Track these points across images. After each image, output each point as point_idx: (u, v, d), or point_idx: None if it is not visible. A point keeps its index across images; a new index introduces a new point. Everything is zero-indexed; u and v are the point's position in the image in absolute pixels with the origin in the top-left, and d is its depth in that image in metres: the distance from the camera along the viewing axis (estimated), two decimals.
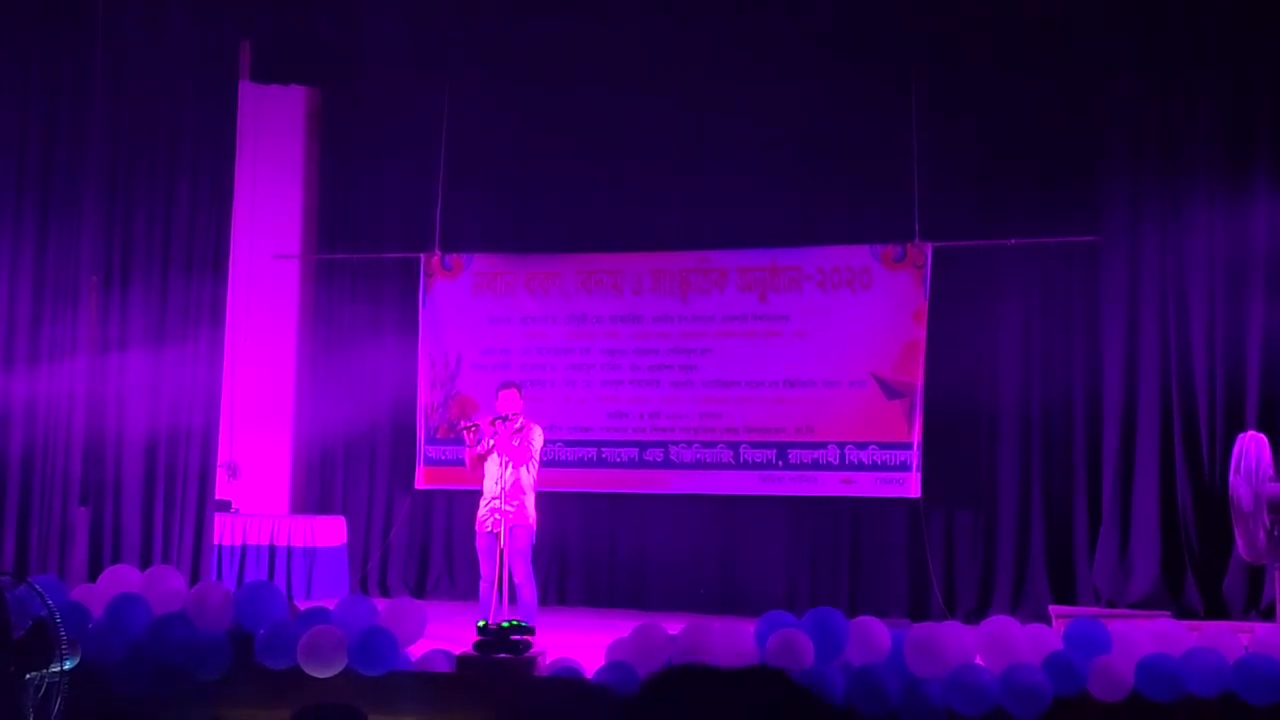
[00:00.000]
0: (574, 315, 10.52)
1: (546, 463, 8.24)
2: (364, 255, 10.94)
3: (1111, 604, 8.82)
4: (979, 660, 5.59)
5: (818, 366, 10.02)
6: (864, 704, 5.37)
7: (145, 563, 8.34)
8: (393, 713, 5.21)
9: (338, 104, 11.22)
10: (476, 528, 7.60)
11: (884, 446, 9.78)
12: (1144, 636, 5.65)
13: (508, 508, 7.39)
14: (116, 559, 8.41)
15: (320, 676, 5.55)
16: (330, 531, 10.26)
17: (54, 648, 4.67)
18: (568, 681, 5.61)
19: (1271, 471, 7.53)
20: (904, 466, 9.71)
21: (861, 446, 9.84)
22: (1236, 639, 5.71)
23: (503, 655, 5.73)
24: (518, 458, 7.46)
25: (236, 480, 10.66)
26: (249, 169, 10.42)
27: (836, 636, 5.60)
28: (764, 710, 1.31)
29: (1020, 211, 9.66)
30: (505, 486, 7.42)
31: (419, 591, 10.42)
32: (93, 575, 7.94)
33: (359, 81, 10.86)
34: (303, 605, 6.62)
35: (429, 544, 10.70)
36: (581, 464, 10.28)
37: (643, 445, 10.28)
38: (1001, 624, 5.93)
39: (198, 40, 9.27)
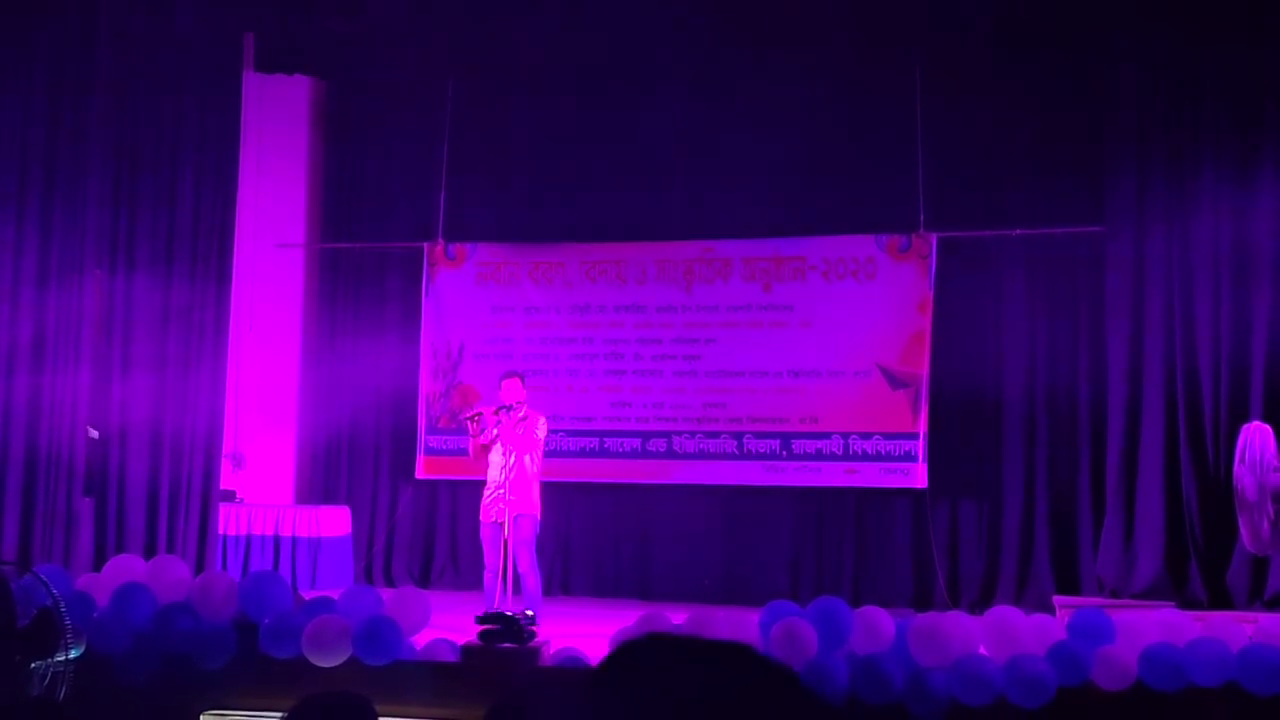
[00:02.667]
0: (577, 305, 10.51)
1: (550, 452, 8.25)
2: (368, 244, 10.94)
3: (1115, 594, 8.83)
4: (983, 650, 5.60)
5: (822, 357, 10.01)
6: (868, 693, 5.39)
7: (150, 552, 8.35)
8: (397, 702, 5.22)
9: (342, 94, 11.21)
10: (481, 517, 7.61)
11: (888, 437, 9.78)
12: (1148, 626, 5.66)
13: (512, 497, 7.41)
14: (121, 549, 8.42)
15: (325, 666, 5.56)
16: (335, 521, 10.28)
17: (59, 637, 4.69)
18: (572, 671, 5.63)
19: (1276, 462, 7.51)
20: (909, 457, 9.71)
21: (866, 437, 9.84)
22: (1240, 629, 5.72)
23: (507, 645, 5.75)
24: (521, 447, 7.47)
25: (241, 470, 10.68)
26: (253, 158, 10.42)
27: (841, 626, 5.61)
28: (737, 688, 1.29)
29: (1025, 201, 9.66)
30: (509, 476, 7.44)
31: (423, 581, 10.44)
32: (97, 565, 7.96)
33: (363, 71, 10.86)
34: (307, 595, 6.64)
35: (433, 534, 10.72)
36: (584, 454, 10.29)
37: (646, 435, 10.28)
38: (1005, 614, 5.94)
39: (202, 30, 9.26)
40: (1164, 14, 8.94)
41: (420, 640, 5.95)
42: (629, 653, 1.32)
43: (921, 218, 9.74)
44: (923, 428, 9.68)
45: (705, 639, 1.36)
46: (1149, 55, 9.06)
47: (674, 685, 1.27)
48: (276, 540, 10.02)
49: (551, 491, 8.12)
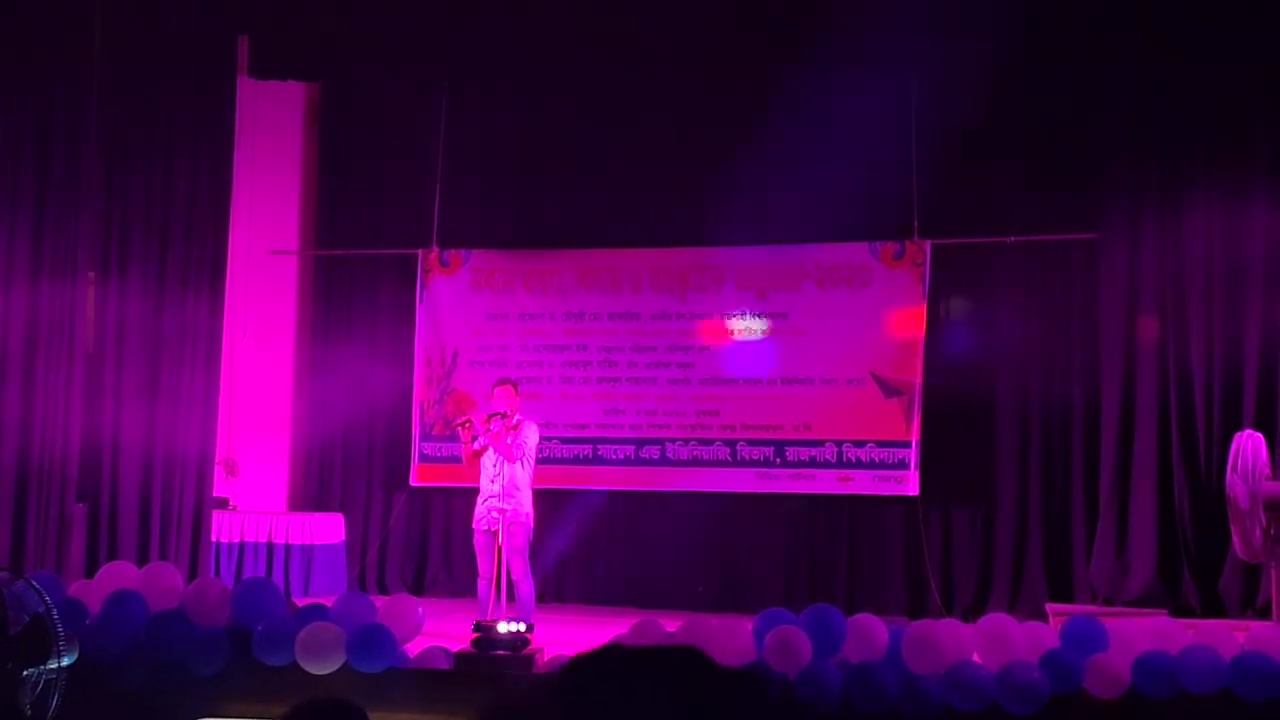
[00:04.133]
0: (572, 312, 10.51)
1: (543, 459, 8.25)
2: (362, 251, 10.93)
3: (1108, 602, 8.84)
4: (976, 657, 5.61)
5: (816, 364, 10.01)
6: (862, 701, 5.39)
7: (143, 559, 8.34)
8: (390, 709, 5.21)
9: (336, 100, 11.19)
10: (474, 525, 7.61)
11: (882, 445, 9.78)
12: (1141, 634, 5.67)
13: (504, 505, 7.41)
14: (114, 556, 8.41)
15: (318, 673, 5.56)
16: (328, 529, 10.26)
17: (51, 644, 4.68)
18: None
19: (1268, 470, 7.55)
20: (902, 464, 9.71)
21: (859, 444, 9.83)
22: (1233, 637, 5.74)
23: (501, 652, 5.75)
24: (511, 455, 7.47)
25: (234, 477, 10.66)
26: (247, 165, 10.40)
27: (834, 634, 5.62)
28: (693, 693, 1.29)
29: (1019, 209, 9.64)
30: (502, 484, 7.43)
31: (417, 588, 10.40)
32: (90, 572, 7.94)
33: (358, 77, 10.84)
34: (300, 602, 6.63)
35: (427, 541, 10.70)
36: (578, 461, 10.27)
37: (639, 442, 10.27)
38: (999, 621, 5.96)
39: (195, 35, 9.27)
40: (1156, 24, 8.97)
41: (414, 648, 5.95)
42: (581, 669, 1.33)
43: (916, 225, 9.75)
44: (916, 435, 9.68)
45: (655, 647, 1.37)
46: (1141, 64, 9.09)
47: (628, 695, 1.28)
48: (270, 547, 10.01)
49: (545, 498, 8.12)
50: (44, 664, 4.69)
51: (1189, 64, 8.85)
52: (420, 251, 10.67)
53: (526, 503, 7.54)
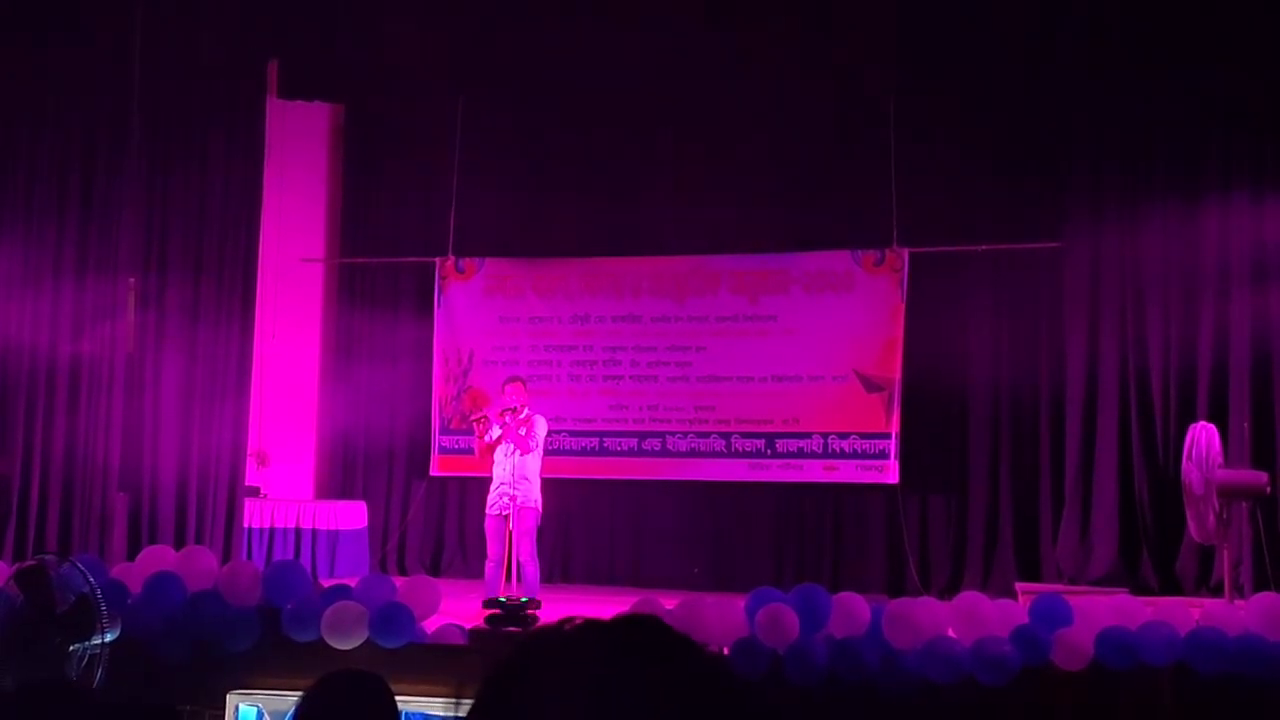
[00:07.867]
0: (578, 315, 10.51)
1: (553, 451, 8.24)
2: (384, 259, 10.92)
3: (1073, 581, 8.84)
4: (951, 632, 5.60)
5: (803, 363, 10.01)
6: (845, 673, 5.39)
7: (180, 543, 8.33)
8: (409, 681, 5.21)
9: (359, 119, 11.19)
10: (487, 510, 7.61)
11: (864, 436, 9.78)
12: (1103, 611, 5.66)
13: (515, 492, 7.41)
14: (153, 540, 8.40)
15: (342, 648, 5.56)
16: (352, 515, 10.25)
17: (96, 621, 4.68)
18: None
19: (1221, 459, 7.55)
20: (883, 455, 9.71)
21: (843, 436, 9.83)
22: (1188, 613, 5.73)
23: (512, 629, 5.74)
24: (523, 446, 7.48)
25: (265, 468, 10.65)
26: (277, 179, 10.40)
27: (820, 611, 5.61)
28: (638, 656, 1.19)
29: (990, 219, 9.64)
30: (513, 473, 7.44)
31: (434, 570, 10.39)
32: (131, 555, 7.93)
33: (379, 98, 10.85)
34: (326, 583, 6.62)
35: (443, 527, 10.70)
36: (585, 452, 10.27)
37: (642, 435, 10.27)
38: (972, 599, 5.94)
39: (228, 61, 9.28)
40: (1115, 48, 8.97)
41: (431, 625, 5.94)
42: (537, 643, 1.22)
43: (895, 234, 9.74)
44: (895, 428, 9.69)
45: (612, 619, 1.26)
46: (1104, 87, 9.10)
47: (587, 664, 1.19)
48: (298, 532, 10.00)
49: (554, 487, 8.11)
50: (89, 640, 4.69)
51: (1146, 86, 8.85)
52: (438, 260, 10.67)
53: (536, 490, 7.54)
